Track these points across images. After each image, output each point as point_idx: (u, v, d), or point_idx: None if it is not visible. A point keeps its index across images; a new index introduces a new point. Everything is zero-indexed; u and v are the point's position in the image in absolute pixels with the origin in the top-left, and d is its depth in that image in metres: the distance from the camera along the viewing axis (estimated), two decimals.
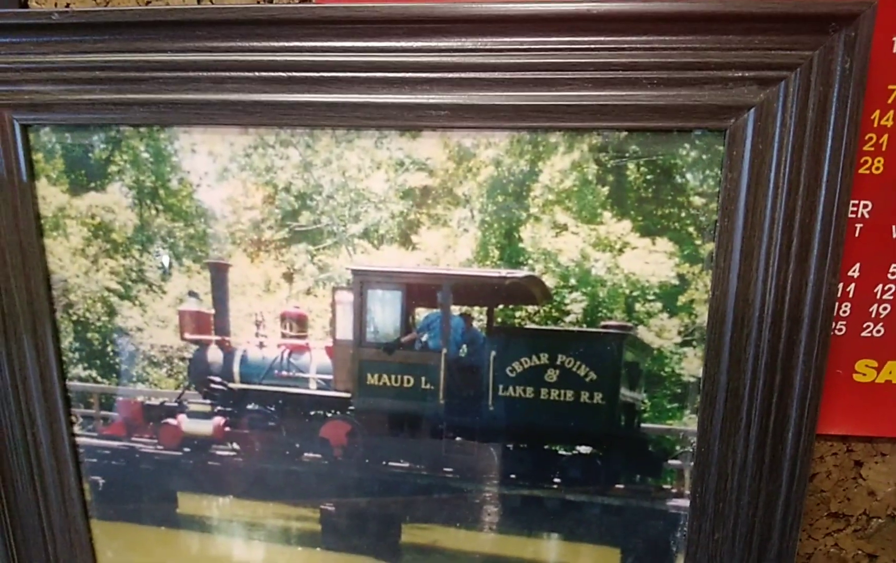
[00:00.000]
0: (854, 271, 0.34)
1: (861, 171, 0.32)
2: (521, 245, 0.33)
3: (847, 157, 0.30)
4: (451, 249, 0.34)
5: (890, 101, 0.31)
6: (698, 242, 0.32)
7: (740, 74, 0.30)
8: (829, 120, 0.29)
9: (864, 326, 0.35)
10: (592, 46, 0.30)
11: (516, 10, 0.30)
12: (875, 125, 0.31)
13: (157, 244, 0.35)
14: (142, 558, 0.41)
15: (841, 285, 0.34)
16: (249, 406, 0.38)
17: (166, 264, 0.35)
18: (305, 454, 0.38)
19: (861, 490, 0.40)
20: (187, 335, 0.37)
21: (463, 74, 0.31)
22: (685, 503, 0.36)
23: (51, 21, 0.32)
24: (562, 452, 0.36)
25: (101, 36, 0.32)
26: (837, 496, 0.40)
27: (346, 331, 0.36)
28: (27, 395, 0.38)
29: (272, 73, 0.32)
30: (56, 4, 0.36)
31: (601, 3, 0.29)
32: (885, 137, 0.32)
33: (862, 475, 0.39)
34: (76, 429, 0.39)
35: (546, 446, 0.36)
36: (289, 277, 0.35)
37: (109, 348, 0.37)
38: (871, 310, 0.35)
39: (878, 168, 0.32)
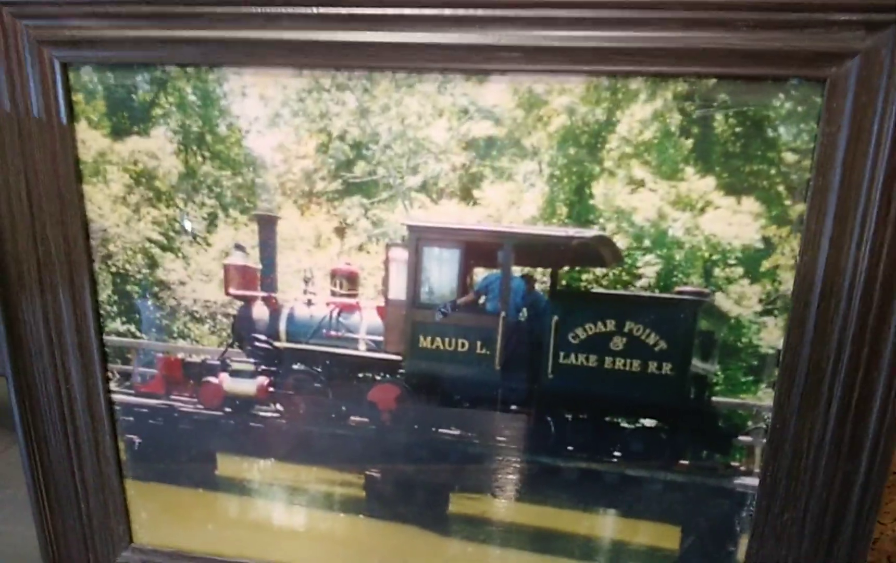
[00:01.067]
0: None
1: None
2: (591, 202, 0.31)
3: None
4: (515, 205, 0.32)
5: None
6: (788, 202, 0.30)
7: (845, 17, 0.27)
8: None
9: None
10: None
11: None
12: None
13: (183, 210, 0.33)
14: (178, 520, 0.40)
15: None
16: (295, 366, 0.36)
17: (189, 230, 0.33)
18: (352, 418, 0.36)
19: None
20: (232, 290, 0.35)
21: (537, 12, 0.28)
22: (754, 481, 0.34)
23: None
24: (624, 424, 0.34)
25: None
26: None
27: (399, 291, 0.34)
28: (62, 348, 0.37)
29: (330, 9, 0.30)
30: None
31: None
32: None
33: None
34: (112, 385, 0.38)
35: (607, 419, 0.34)
36: (341, 231, 0.33)
37: (150, 302, 0.36)
38: None
39: None
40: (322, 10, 0.30)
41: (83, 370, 0.39)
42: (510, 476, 0.36)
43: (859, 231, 0.30)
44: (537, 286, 0.33)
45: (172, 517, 0.40)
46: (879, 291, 0.30)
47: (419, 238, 0.33)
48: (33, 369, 0.39)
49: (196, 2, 0.31)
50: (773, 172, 0.30)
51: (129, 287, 0.36)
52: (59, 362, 0.39)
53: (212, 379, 0.37)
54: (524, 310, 0.34)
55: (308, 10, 0.30)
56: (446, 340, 0.34)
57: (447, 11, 0.29)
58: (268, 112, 0.32)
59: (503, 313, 0.34)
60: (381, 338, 0.35)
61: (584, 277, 0.33)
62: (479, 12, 0.29)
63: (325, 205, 0.33)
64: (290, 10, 0.31)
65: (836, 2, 0.28)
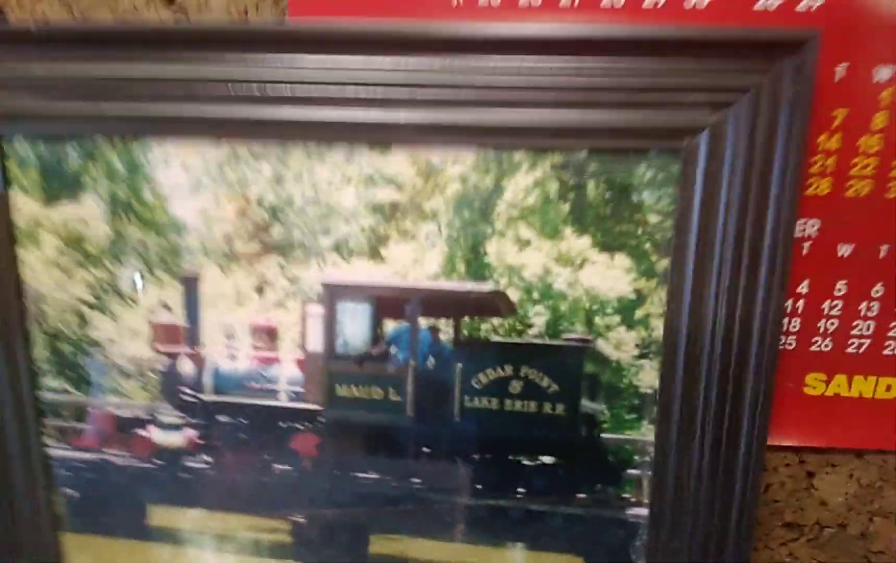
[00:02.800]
0: (803, 288, 0.36)
1: (808, 192, 0.34)
2: (486, 260, 0.34)
3: (794, 178, 0.32)
4: (418, 262, 0.35)
5: (834, 125, 0.33)
6: (654, 258, 0.33)
7: (693, 98, 0.32)
8: (777, 143, 0.31)
9: (813, 340, 0.37)
10: (554, 70, 0.32)
11: (482, 33, 0.31)
12: (821, 148, 0.33)
13: (130, 266, 0.36)
14: None
15: (790, 302, 0.36)
16: (221, 418, 0.38)
17: (140, 286, 0.36)
18: (276, 466, 0.38)
19: (813, 500, 0.41)
20: (159, 347, 0.37)
21: (431, 93, 0.32)
22: (644, 511, 0.37)
23: (29, 33, 0.33)
24: (526, 462, 0.37)
25: (77, 49, 0.33)
26: (791, 506, 0.41)
27: (316, 343, 0.37)
28: (11, 407, 0.38)
29: (245, 89, 0.33)
30: (32, 17, 0.36)
31: (562, 28, 0.31)
32: (831, 159, 0.33)
33: (814, 485, 0.41)
34: (47, 441, 0.39)
35: (511, 457, 0.37)
36: (260, 289, 0.36)
37: (81, 359, 0.37)
38: (818, 325, 0.36)
39: (824, 189, 0.34)
40: (237, 89, 0.34)
41: (18, 425, 0.40)
42: (426, 516, 0.39)
43: (716, 283, 0.34)
44: (442, 336, 0.36)
45: None
46: (738, 336, 0.34)
47: (333, 294, 0.36)
48: None
49: (122, 80, 0.34)
50: (640, 231, 0.34)
51: (62, 345, 0.38)
52: None
53: (142, 432, 0.39)
54: (431, 358, 0.37)
55: (224, 89, 0.34)
56: (361, 388, 0.37)
57: (349, 92, 0.33)
58: (189, 179, 0.35)
59: (412, 362, 0.37)
60: (301, 389, 0.38)
61: (483, 327, 0.36)
62: (378, 93, 0.33)
63: (245, 265, 0.36)
64: (207, 88, 0.34)
65: (685, 85, 0.32)
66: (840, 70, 0.32)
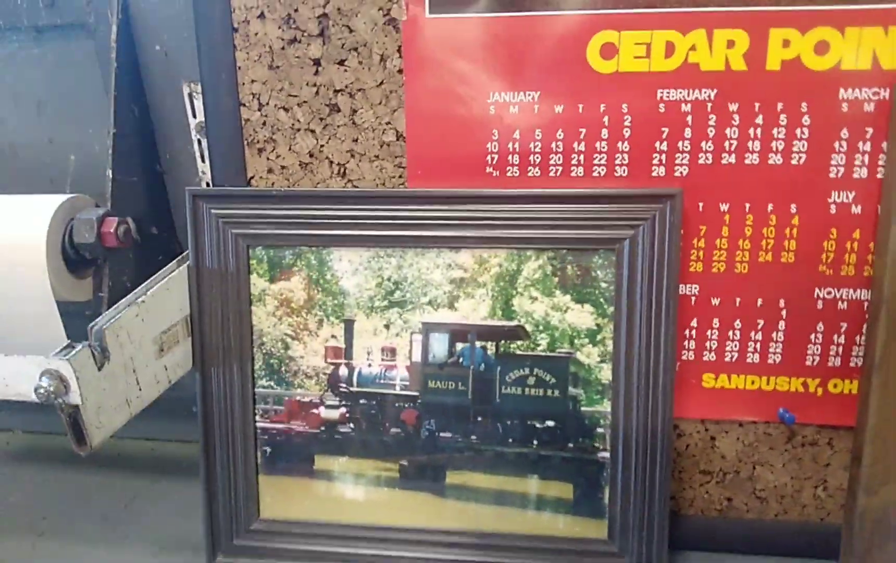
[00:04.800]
0: (693, 324, 0.62)
1: (690, 269, 0.61)
2: (513, 309, 0.62)
3: (675, 264, 0.58)
4: (475, 311, 0.63)
5: (701, 234, 0.60)
6: (606, 306, 0.61)
7: (622, 223, 0.59)
8: (665, 245, 0.58)
9: (703, 355, 0.63)
10: (546, 210, 0.60)
11: (505, 193, 0.60)
12: (695, 246, 0.60)
13: (317, 315, 0.64)
14: (288, 498, 0.68)
15: (687, 331, 0.63)
16: (361, 402, 0.66)
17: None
18: (392, 430, 0.65)
19: (716, 455, 0.66)
20: (329, 360, 0.65)
21: (481, 223, 0.61)
22: (607, 454, 0.63)
23: (270, 194, 0.63)
24: (537, 425, 0.64)
25: (293, 201, 0.63)
26: (703, 459, 0.67)
27: (417, 356, 0.64)
28: (231, 397, 0.66)
29: (382, 222, 0.62)
30: (272, 184, 0.66)
31: (552, 190, 0.59)
32: (701, 251, 0.60)
33: (716, 444, 0.66)
34: (258, 418, 0.67)
35: (528, 422, 0.64)
36: (387, 327, 0.64)
37: (283, 368, 0.66)
38: (706, 345, 0.63)
39: (699, 268, 0.61)
40: (380, 223, 0.62)
41: (243, 409, 0.67)
42: (479, 459, 0.65)
43: (639, 320, 0.60)
44: (489, 352, 0.64)
45: (286, 498, 0.68)
46: (652, 354, 0.60)
47: (428, 329, 0.64)
48: (214, 410, 0.67)
49: (316, 219, 0.63)
50: (597, 291, 0.61)
51: (272, 361, 0.66)
52: (228, 405, 0.68)
53: (314, 410, 0.66)
54: (483, 365, 0.64)
55: (373, 222, 0.62)
56: (443, 382, 0.64)
57: (439, 226, 0.61)
58: (351, 267, 0.63)
59: (472, 367, 0.64)
60: (408, 383, 0.65)
61: (512, 346, 0.63)
62: (453, 224, 0.61)
63: (379, 313, 0.64)
64: (365, 222, 0.63)
65: (618, 215, 0.59)
66: (700, 205, 0.60)
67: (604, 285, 0.58)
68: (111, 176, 0.66)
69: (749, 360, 0.62)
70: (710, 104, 0.56)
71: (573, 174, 0.57)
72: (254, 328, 0.64)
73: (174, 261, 0.63)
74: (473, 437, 0.63)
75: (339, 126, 0.61)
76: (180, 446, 0.90)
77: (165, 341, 0.61)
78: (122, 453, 0.90)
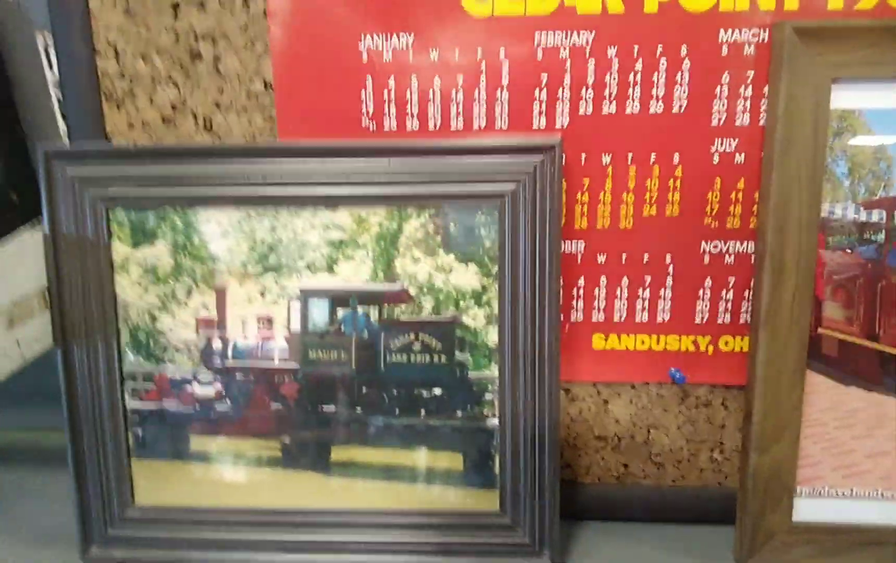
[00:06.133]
0: (581, 282, 0.60)
1: (575, 226, 0.59)
2: (396, 270, 0.59)
3: (557, 218, 0.55)
4: (357, 274, 0.59)
5: (585, 187, 0.58)
6: (490, 265, 0.58)
7: (503, 177, 0.56)
8: (547, 197, 0.56)
9: (592, 315, 0.61)
10: (416, 165, 0.56)
11: (386, 145, 0.56)
12: (578, 201, 0.58)
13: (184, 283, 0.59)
14: (164, 483, 0.63)
15: (575, 290, 0.61)
16: (238, 377, 0.62)
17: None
18: (272, 405, 0.61)
19: (610, 419, 0.65)
20: (200, 332, 0.61)
21: (361, 179, 0.57)
22: (496, 421, 0.60)
23: (128, 150, 0.58)
24: (425, 394, 0.61)
25: (154, 158, 0.57)
26: (597, 424, 0.65)
27: (296, 325, 0.60)
28: (97, 376, 0.60)
29: (254, 179, 0.58)
30: (133, 141, 0.61)
31: (436, 141, 0.56)
32: (585, 207, 0.59)
33: (609, 408, 0.65)
34: (127, 398, 0.62)
35: (415, 391, 0.61)
36: (262, 294, 0.60)
37: (151, 342, 0.61)
38: (593, 305, 0.61)
39: (584, 224, 0.59)
40: (249, 182, 0.58)
41: (110, 388, 0.61)
42: (365, 431, 0.62)
43: (522, 282, 0.57)
44: (372, 317, 0.60)
45: (161, 482, 0.63)
46: (537, 312, 0.56)
47: (306, 295, 0.60)
48: (79, 391, 0.61)
49: (181, 176, 0.59)
50: (481, 251, 0.58)
51: (139, 334, 0.61)
52: (92, 384, 0.62)
53: (187, 387, 0.62)
54: (365, 332, 0.60)
55: (241, 180, 0.58)
56: (324, 352, 0.61)
57: (314, 180, 0.58)
58: (220, 230, 0.59)
59: (354, 335, 0.61)
60: (287, 355, 0.61)
61: (396, 311, 0.60)
62: (331, 180, 0.58)
63: (253, 279, 0.60)
64: (233, 177, 0.59)
65: (499, 169, 0.57)
66: (583, 157, 0.58)
67: (487, 242, 0.55)
68: None
69: (638, 319, 0.60)
70: (588, 49, 0.54)
71: (453, 127, 0.55)
72: (118, 299, 0.59)
73: (27, 225, 0.57)
74: (358, 409, 0.60)
75: (202, 76, 0.57)
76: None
77: (16, 313, 0.56)
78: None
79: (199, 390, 0.61)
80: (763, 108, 0.55)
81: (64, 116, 0.60)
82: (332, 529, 0.61)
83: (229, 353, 0.61)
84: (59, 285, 0.59)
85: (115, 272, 0.58)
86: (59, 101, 0.63)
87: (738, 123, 0.55)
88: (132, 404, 0.61)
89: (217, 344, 0.60)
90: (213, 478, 0.62)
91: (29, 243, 0.55)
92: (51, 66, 0.62)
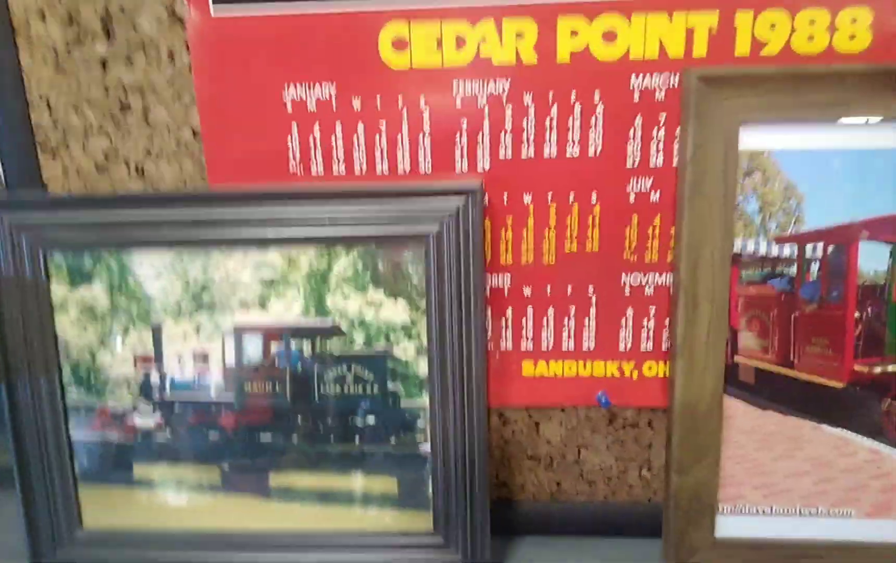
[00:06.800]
0: (509, 313, 0.62)
1: (501, 261, 0.61)
2: (327, 307, 0.61)
3: (480, 255, 0.56)
4: (289, 310, 0.61)
5: (508, 224, 0.60)
6: (419, 300, 0.60)
7: (428, 217, 0.58)
8: (469, 238, 0.58)
9: (521, 343, 0.63)
10: (343, 209, 0.58)
11: (307, 190, 0.58)
12: (503, 238, 0.60)
13: (121, 322, 0.61)
14: (110, 507, 0.65)
15: (503, 320, 0.63)
16: (176, 409, 0.63)
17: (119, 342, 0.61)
18: (211, 434, 0.64)
19: (542, 440, 0.67)
20: (139, 367, 0.63)
21: (287, 222, 0.59)
22: (428, 446, 0.63)
23: (64, 199, 0.59)
24: (359, 422, 0.63)
25: (89, 205, 0.59)
26: (529, 444, 0.68)
27: (231, 360, 0.62)
28: (41, 408, 0.62)
29: (185, 223, 0.59)
30: (68, 188, 0.62)
31: (359, 185, 0.58)
32: (509, 243, 0.60)
33: (540, 430, 0.67)
34: (71, 428, 0.64)
35: (350, 420, 0.63)
36: (197, 330, 0.62)
37: (92, 377, 0.63)
38: (522, 334, 0.63)
39: (509, 259, 0.61)
40: (180, 222, 0.60)
41: (54, 420, 0.63)
42: (302, 458, 0.64)
43: (449, 316, 0.60)
44: (305, 352, 0.62)
45: (107, 507, 0.65)
46: (464, 349, 0.58)
47: (241, 331, 0.62)
48: (24, 423, 0.63)
49: (116, 222, 0.60)
50: (409, 287, 0.60)
51: (80, 370, 0.63)
52: (37, 417, 0.63)
53: (128, 419, 0.64)
54: (299, 365, 0.63)
55: (174, 222, 0.60)
56: (259, 385, 0.63)
57: (242, 221, 0.59)
58: (154, 271, 0.61)
59: (288, 368, 0.63)
60: (224, 388, 0.63)
61: (329, 344, 0.62)
62: (257, 223, 0.59)
63: (188, 316, 0.61)
64: (166, 222, 0.60)
65: (424, 210, 0.58)
66: (505, 197, 0.59)
67: (415, 279, 0.57)
68: None
69: (565, 347, 0.62)
70: (504, 97, 0.55)
71: (378, 171, 0.56)
72: (58, 338, 0.61)
73: None
74: (294, 438, 0.62)
75: (132, 126, 0.58)
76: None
77: None
78: None
79: (139, 421, 0.63)
80: (676, 148, 0.56)
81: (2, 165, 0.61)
82: (272, 550, 0.64)
83: (167, 387, 0.63)
84: (1, 324, 0.60)
85: (55, 312, 0.60)
86: None
87: (652, 163, 0.56)
88: (77, 434, 0.63)
89: (155, 379, 0.62)
90: (157, 502, 0.64)
91: None
92: None
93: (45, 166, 0.60)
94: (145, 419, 0.63)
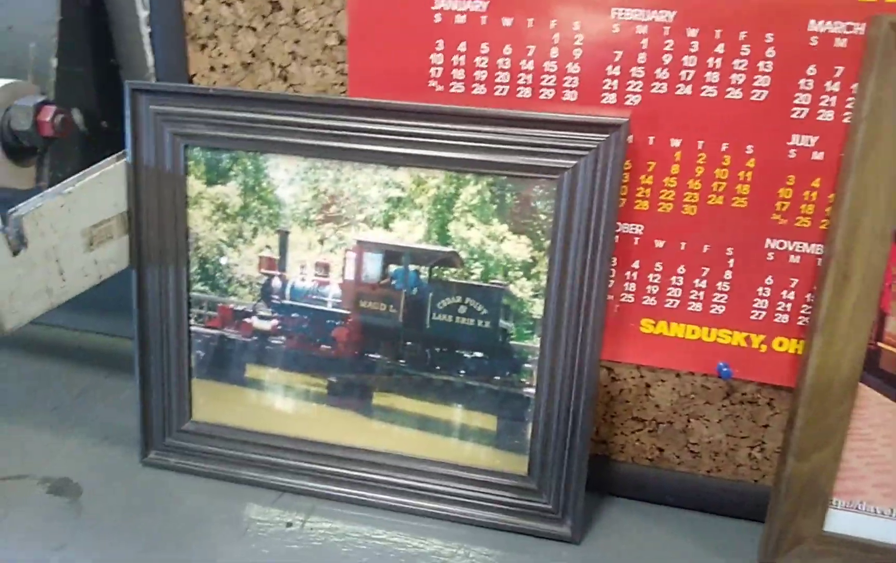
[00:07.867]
0: (635, 265, 0.59)
1: (636, 207, 0.58)
2: (449, 234, 0.60)
3: (615, 198, 0.54)
4: (411, 233, 0.61)
5: (649, 170, 0.57)
6: (543, 239, 0.58)
7: (564, 152, 0.56)
8: (607, 178, 0.55)
9: (643, 298, 0.60)
10: (489, 132, 0.56)
11: (449, 110, 0.57)
12: (641, 183, 0.57)
13: (251, 223, 0.63)
14: (220, 403, 0.68)
15: (628, 273, 0.60)
16: (293, 315, 0.65)
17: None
18: (322, 346, 0.65)
19: (651, 403, 0.65)
20: (262, 270, 0.64)
21: (419, 142, 0.58)
22: (533, 390, 0.61)
23: (207, 93, 0.61)
24: (465, 354, 0.62)
25: (232, 102, 0.60)
26: (636, 406, 0.65)
27: (350, 274, 0.63)
28: (166, 299, 0.65)
29: (322, 130, 0.60)
30: (213, 83, 0.64)
31: (496, 110, 0.56)
32: (648, 189, 0.57)
33: (650, 392, 0.64)
34: (192, 322, 0.67)
35: (457, 351, 0.62)
36: (321, 241, 0.62)
37: (217, 274, 0.65)
38: (646, 289, 0.60)
39: (644, 206, 0.58)
40: (317, 131, 0.60)
41: (177, 312, 0.67)
42: (406, 382, 0.64)
43: (573, 259, 0.57)
44: (422, 276, 0.62)
45: (217, 402, 0.69)
46: (585, 291, 0.57)
47: (362, 247, 0.62)
48: (150, 310, 0.67)
49: (255, 121, 0.61)
50: (535, 223, 0.58)
51: (207, 266, 0.65)
52: (162, 308, 0.67)
53: (247, 319, 0.66)
54: (415, 289, 0.62)
55: (311, 130, 0.60)
56: (374, 303, 0.63)
57: (379, 138, 0.59)
58: (288, 176, 0.62)
59: (404, 290, 0.63)
60: (340, 300, 0.64)
61: (446, 272, 0.61)
62: (392, 140, 0.59)
63: (314, 226, 0.62)
64: (302, 129, 0.60)
65: (560, 144, 0.56)
66: (651, 139, 0.56)
67: (542, 216, 0.56)
68: (55, 65, 0.64)
69: (691, 308, 0.59)
70: (667, 27, 0.52)
71: (520, 95, 0.54)
72: (190, 231, 0.64)
73: (113, 156, 0.62)
74: (402, 360, 0.63)
75: (280, 25, 0.59)
76: None
77: (96, 236, 0.61)
78: (82, 345, 0.91)
79: (257, 322, 0.65)
80: (849, 106, 0.51)
81: (153, 55, 0.63)
82: (367, 466, 0.65)
83: (287, 293, 0.64)
84: (137, 212, 0.63)
85: (189, 206, 0.62)
86: (149, 35, 0.66)
87: (820, 118, 0.52)
88: (196, 328, 0.66)
89: (276, 283, 0.64)
90: (264, 405, 0.67)
91: (112, 171, 0.59)
92: (144, 6, 0.65)
93: (192, 59, 0.61)
94: (263, 322, 0.65)
